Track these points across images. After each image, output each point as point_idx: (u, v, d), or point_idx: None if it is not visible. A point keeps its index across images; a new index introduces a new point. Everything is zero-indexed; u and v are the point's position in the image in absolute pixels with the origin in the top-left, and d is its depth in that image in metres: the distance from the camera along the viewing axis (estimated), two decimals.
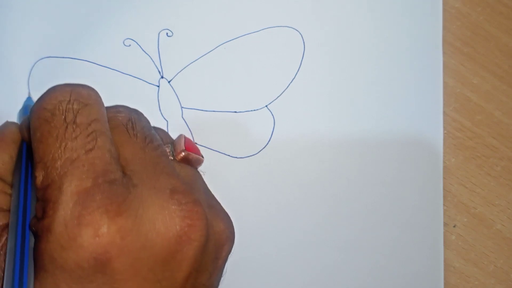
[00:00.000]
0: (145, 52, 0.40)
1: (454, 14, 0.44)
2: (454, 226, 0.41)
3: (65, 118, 0.27)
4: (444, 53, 0.42)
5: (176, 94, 0.40)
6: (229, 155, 0.40)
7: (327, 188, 0.40)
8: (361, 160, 0.40)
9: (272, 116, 0.40)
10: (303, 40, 0.41)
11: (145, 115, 0.40)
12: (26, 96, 0.40)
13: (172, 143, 0.33)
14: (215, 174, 0.39)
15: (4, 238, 0.28)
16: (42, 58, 0.40)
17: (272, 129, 0.40)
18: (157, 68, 0.40)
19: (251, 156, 0.40)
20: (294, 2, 0.42)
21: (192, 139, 0.40)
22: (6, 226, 0.29)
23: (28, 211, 0.28)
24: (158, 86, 0.40)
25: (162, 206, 0.27)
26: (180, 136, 0.33)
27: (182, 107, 0.40)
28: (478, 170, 0.42)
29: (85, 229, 0.25)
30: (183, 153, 0.32)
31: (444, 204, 0.40)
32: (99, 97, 0.29)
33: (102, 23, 0.41)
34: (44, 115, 0.27)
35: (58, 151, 0.26)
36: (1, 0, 0.40)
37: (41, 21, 0.40)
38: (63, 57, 0.40)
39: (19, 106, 0.39)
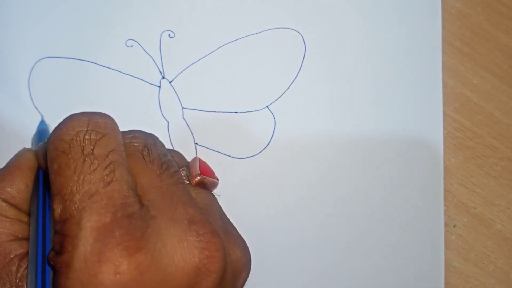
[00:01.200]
0: (146, 52, 0.40)
1: (454, 14, 0.44)
2: (454, 226, 0.41)
3: (82, 150, 0.27)
4: (444, 53, 0.42)
5: (177, 95, 0.40)
6: (229, 156, 0.40)
7: (328, 188, 0.40)
8: (361, 160, 0.41)
9: (273, 117, 0.40)
10: (304, 41, 0.41)
11: (146, 115, 0.40)
12: (39, 119, 0.39)
13: (187, 166, 0.32)
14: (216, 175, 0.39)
15: (22, 269, 0.29)
16: (43, 58, 0.40)
17: (273, 130, 0.40)
18: (158, 68, 0.40)
19: (251, 156, 0.40)
20: (295, 3, 0.42)
21: (194, 139, 0.40)
22: (24, 255, 0.29)
23: (48, 243, 0.28)
24: (159, 87, 0.40)
25: (180, 238, 0.27)
26: (195, 160, 0.33)
27: (182, 108, 0.40)
28: (478, 170, 0.42)
29: (105, 266, 0.24)
30: (198, 177, 0.32)
31: (444, 204, 0.41)
32: (116, 125, 0.29)
33: (104, 24, 0.41)
34: (61, 146, 0.27)
35: (76, 184, 0.26)
36: (2, 0, 0.40)
37: (42, 21, 0.40)
38: (64, 58, 0.40)
39: (19, 105, 0.39)
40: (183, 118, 0.40)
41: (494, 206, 0.42)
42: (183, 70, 0.41)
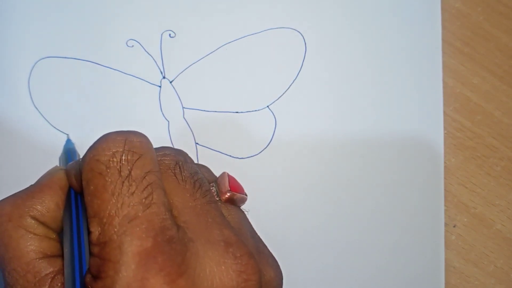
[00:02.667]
0: (147, 52, 0.40)
1: (454, 14, 0.44)
2: (454, 226, 0.41)
3: (120, 172, 0.26)
4: (444, 53, 0.42)
5: (177, 95, 0.40)
6: (230, 156, 0.40)
7: (328, 188, 0.40)
8: (362, 160, 0.41)
9: (273, 117, 0.40)
10: (304, 41, 0.41)
11: (146, 115, 0.40)
12: (65, 138, 0.39)
13: (216, 182, 0.32)
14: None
15: None
16: (43, 58, 0.40)
17: (273, 130, 0.40)
18: (159, 68, 0.40)
19: (252, 156, 0.40)
20: (296, 3, 0.42)
21: (194, 139, 0.40)
22: (55, 273, 0.29)
23: (84, 265, 0.28)
24: (160, 87, 0.40)
25: (218, 262, 0.26)
26: (223, 176, 0.33)
27: (183, 108, 0.40)
28: (478, 170, 0.42)
29: None
30: (228, 194, 0.32)
31: (444, 204, 0.41)
32: (151, 143, 0.29)
33: (105, 24, 0.41)
34: (98, 168, 0.27)
35: (114, 207, 0.26)
36: (2, 0, 0.40)
37: (42, 21, 0.40)
38: (65, 57, 0.40)
39: (19, 105, 0.39)
40: (184, 118, 0.40)
41: (494, 206, 0.42)
42: (183, 70, 0.41)
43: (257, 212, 0.38)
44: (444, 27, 0.43)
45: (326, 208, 0.40)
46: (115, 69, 0.40)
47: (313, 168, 0.40)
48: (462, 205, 0.42)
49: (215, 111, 0.40)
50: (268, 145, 0.40)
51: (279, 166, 0.40)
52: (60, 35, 0.40)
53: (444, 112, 0.42)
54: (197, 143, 0.40)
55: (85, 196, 0.27)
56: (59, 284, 0.28)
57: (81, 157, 0.37)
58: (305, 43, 0.41)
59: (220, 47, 0.41)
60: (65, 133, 0.39)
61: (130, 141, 0.28)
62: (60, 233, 0.31)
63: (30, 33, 0.40)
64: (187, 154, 0.32)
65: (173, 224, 0.27)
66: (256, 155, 0.40)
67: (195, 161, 0.39)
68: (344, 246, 0.40)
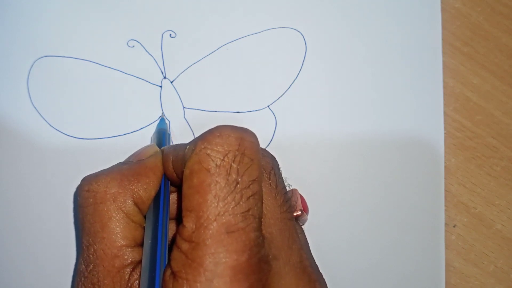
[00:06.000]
0: (148, 52, 0.40)
1: (454, 14, 0.44)
2: (454, 226, 0.41)
3: (228, 174, 0.26)
4: (444, 53, 0.42)
5: (178, 95, 0.40)
6: None
7: (328, 188, 0.40)
8: (362, 160, 0.41)
9: (273, 117, 0.40)
10: (304, 41, 0.41)
11: (147, 115, 0.40)
12: (159, 116, 0.39)
13: (290, 199, 0.32)
14: None
15: (134, 278, 0.28)
16: (42, 57, 0.40)
17: (273, 129, 0.40)
18: (160, 68, 0.40)
19: None
20: (296, 3, 0.42)
21: None
22: (136, 264, 0.28)
23: (165, 260, 0.27)
24: (161, 87, 0.40)
25: (297, 285, 0.27)
26: (296, 194, 0.33)
27: (184, 108, 0.40)
28: (478, 170, 0.42)
29: None
30: (299, 212, 0.32)
31: (444, 204, 0.41)
32: (259, 145, 0.28)
33: (106, 24, 0.40)
34: (206, 163, 0.26)
35: (215, 212, 0.25)
36: None
37: (43, 20, 0.40)
38: (64, 57, 0.40)
39: (18, 105, 0.39)
40: (185, 118, 0.40)
41: (494, 206, 0.42)
42: (184, 70, 0.40)
43: None
44: (444, 27, 0.43)
45: (326, 207, 0.40)
46: (116, 69, 0.40)
47: (313, 167, 0.40)
48: (462, 205, 0.42)
49: (216, 111, 0.40)
50: (268, 145, 0.40)
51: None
52: (60, 35, 0.40)
53: (444, 112, 0.42)
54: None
55: (184, 185, 0.26)
56: (137, 275, 0.28)
57: (172, 141, 0.37)
58: (305, 43, 0.41)
59: (220, 47, 0.41)
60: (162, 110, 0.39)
61: (243, 142, 0.27)
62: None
63: (29, 31, 0.40)
64: (277, 162, 0.31)
65: (263, 242, 0.26)
66: None
67: None
68: (344, 245, 0.40)
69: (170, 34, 0.41)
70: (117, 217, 0.29)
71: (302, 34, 0.41)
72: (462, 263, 0.41)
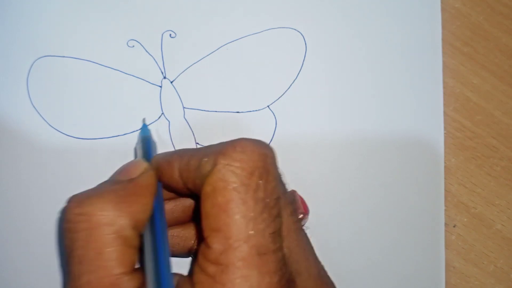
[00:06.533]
0: (148, 53, 0.40)
1: (454, 14, 0.44)
2: (454, 226, 0.41)
3: (255, 193, 0.25)
4: (444, 53, 0.42)
5: (178, 95, 0.40)
6: None
7: (328, 188, 0.40)
8: (362, 160, 0.41)
9: (273, 117, 0.40)
10: (304, 41, 0.41)
11: (147, 115, 0.40)
12: (141, 122, 0.39)
13: (292, 203, 0.31)
14: None
15: None
16: (41, 57, 0.40)
17: (273, 130, 0.40)
18: (159, 68, 0.40)
19: None
20: (296, 3, 0.42)
21: (195, 139, 0.40)
22: None
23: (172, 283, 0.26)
24: (161, 87, 0.40)
25: None
26: (297, 197, 0.32)
27: (184, 108, 0.40)
28: (478, 170, 0.42)
29: None
30: (301, 215, 0.32)
31: (444, 204, 0.41)
32: (277, 158, 0.27)
33: (106, 24, 0.40)
34: (232, 180, 0.25)
35: (245, 233, 0.24)
36: None
37: (43, 19, 0.40)
38: (64, 57, 0.40)
39: (18, 105, 0.39)
40: (185, 118, 0.40)
41: (494, 206, 0.42)
42: (184, 70, 0.40)
43: None
44: (444, 27, 0.43)
45: (326, 207, 0.40)
46: (115, 69, 0.40)
47: (313, 168, 0.40)
48: (462, 205, 0.42)
49: (216, 111, 0.40)
50: None
51: (279, 166, 0.40)
52: (60, 35, 0.40)
53: (444, 112, 0.42)
54: (197, 143, 0.40)
55: (206, 202, 0.25)
56: None
57: (156, 145, 0.36)
58: (306, 43, 0.41)
59: (220, 47, 0.41)
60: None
61: (268, 159, 0.26)
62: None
63: (29, 31, 0.40)
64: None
65: (287, 263, 0.25)
66: None
67: None
68: (344, 245, 0.40)
69: (170, 34, 0.41)
70: (113, 244, 0.26)
71: (302, 34, 0.41)
72: (462, 263, 0.41)
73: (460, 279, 0.41)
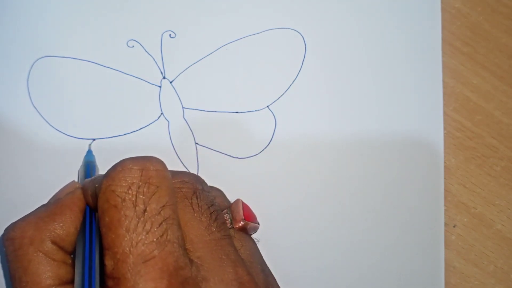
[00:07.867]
0: (148, 53, 0.40)
1: (454, 14, 0.44)
2: (454, 226, 0.41)
3: (135, 206, 0.26)
4: (444, 53, 0.42)
5: (177, 95, 0.40)
6: (230, 156, 0.40)
7: (328, 188, 0.40)
8: (361, 160, 0.41)
9: (273, 117, 0.40)
10: (304, 41, 0.41)
11: (146, 115, 0.40)
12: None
13: (230, 208, 0.32)
14: (216, 175, 0.39)
15: None
16: (42, 58, 0.40)
17: (273, 130, 0.40)
18: (159, 68, 0.40)
19: (252, 156, 0.40)
20: (296, 4, 0.42)
21: (194, 139, 0.40)
22: None
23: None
24: (160, 87, 0.40)
25: None
26: (238, 203, 0.33)
27: (183, 108, 0.40)
28: (478, 170, 0.42)
29: None
30: (242, 223, 0.32)
31: (444, 204, 0.41)
32: (167, 171, 0.28)
33: (106, 24, 0.40)
34: (113, 200, 0.26)
35: (128, 245, 0.25)
36: None
37: (42, 20, 0.40)
38: (64, 57, 0.40)
39: (18, 105, 0.39)
40: (184, 118, 0.40)
41: (494, 206, 0.42)
42: (184, 70, 0.40)
43: (256, 212, 0.38)
44: (444, 27, 0.43)
45: (326, 208, 0.40)
46: (115, 69, 0.40)
47: (313, 168, 0.40)
48: (462, 205, 0.42)
49: (215, 111, 0.40)
50: (268, 145, 0.40)
51: (279, 166, 0.40)
52: (60, 35, 0.40)
53: (444, 112, 0.42)
54: (197, 143, 0.40)
55: (100, 226, 0.27)
56: None
57: (99, 171, 0.37)
58: (305, 43, 0.41)
59: (220, 48, 0.41)
60: (80, 139, 0.39)
61: (147, 171, 0.27)
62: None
63: (29, 31, 0.40)
64: (204, 181, 0.32)
65: (187, 263, 0.26)
66: (256, 155, 0.40)
67: (195, 162, 0.39)
68: (344, 246, 0.40)
69: (170, 34, 0.41)
70: (36, 259, 0.29)
71: (301, 35, 0.41)
72: (462, 263, 0.41)
73: (460, 279, 0.41)
